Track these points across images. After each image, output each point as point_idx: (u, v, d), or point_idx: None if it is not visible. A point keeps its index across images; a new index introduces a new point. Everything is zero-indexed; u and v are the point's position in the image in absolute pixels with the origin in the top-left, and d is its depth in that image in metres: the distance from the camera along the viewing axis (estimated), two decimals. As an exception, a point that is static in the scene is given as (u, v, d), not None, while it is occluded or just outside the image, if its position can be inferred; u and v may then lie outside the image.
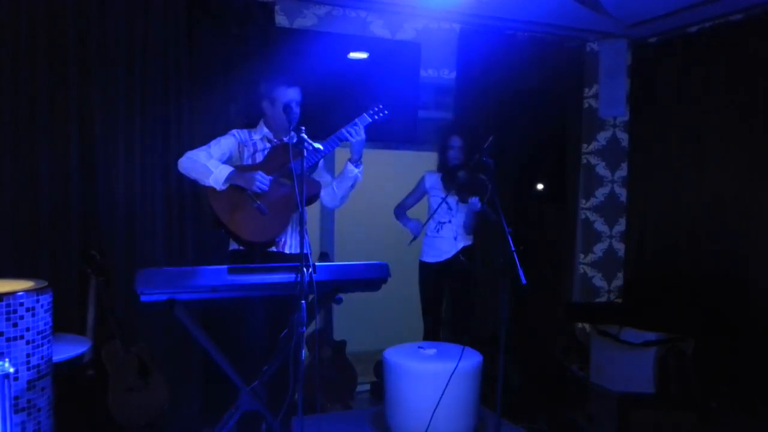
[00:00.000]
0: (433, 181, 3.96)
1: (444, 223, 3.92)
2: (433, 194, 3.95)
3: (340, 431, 3.60)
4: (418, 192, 4.03)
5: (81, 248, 3.42)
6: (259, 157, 3.08)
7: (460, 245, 3.91)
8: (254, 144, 3.12)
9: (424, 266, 4.00)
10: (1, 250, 3.28)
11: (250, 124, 3.25)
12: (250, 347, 3.05)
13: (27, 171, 3.35)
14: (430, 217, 3.91)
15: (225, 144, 3.05)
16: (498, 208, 2.85)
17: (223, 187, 2.89)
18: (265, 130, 3.14)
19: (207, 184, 2.90)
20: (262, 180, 2.89)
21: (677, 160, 4.66)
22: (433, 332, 3.98)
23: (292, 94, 3.03)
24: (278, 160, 2.98)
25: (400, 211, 4.02)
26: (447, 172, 3.87)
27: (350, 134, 3.01)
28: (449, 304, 4.07)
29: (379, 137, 3.86)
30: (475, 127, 4.38)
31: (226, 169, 2.89)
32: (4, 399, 2.18)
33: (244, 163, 3.07)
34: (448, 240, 3.91)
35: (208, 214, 3.01)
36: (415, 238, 3.84)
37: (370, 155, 3.13)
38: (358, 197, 3.25)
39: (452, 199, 3.88)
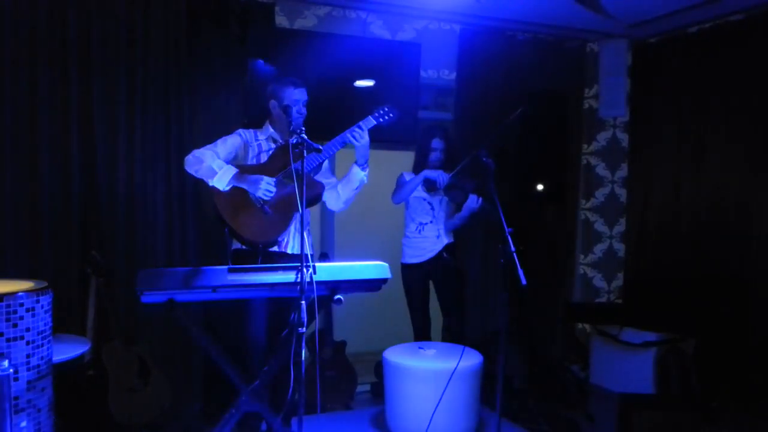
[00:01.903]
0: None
1: (425, 223, 3.89)
2: (415, 195, 3.87)
3: (341, 431, 3.60)
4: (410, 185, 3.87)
5: (81, 248, 3.43)
6: (264, 158, 3.08)
7: (444, 242, 3.89)
8: (259, 144, 3.11)
9: (407, 268, 3.95)
10: (1, 250, 3.28)
11: (251, 124, 3.25)
12: (251, 347, 3.05)
13: (27, 171, 3.35)
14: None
15: (231, 143, 3.05)
16: (498, 207, 2.84)
17: (226, 189, 2.89)
18: (271, 130, 3.13)
19: (211, 185, 2.90)
20: (268, 188, 2.88)
21: (677, 160, 4.66)
22: (423, 331, 3.96)
23: (299, 95, 3.03)
24: (281, 160, 2.97)
25: (399, 192, 3.87)
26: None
27: (354, 137, 3.00)
28: (441, 304, 4.05)
29: (379, 138, 3.84)
30: (454, 129, 4.38)
31: (230, 171, 2.88)
32: (5, 399, 2.18)
33: (249, 163, 3.06)
34: (431, 239, 3.88)
35: (212, 211, 3.02)
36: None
37: (370, 155, 3.13)
38: (358, 197, 3.25)
39: (434, 199, 3.87)
